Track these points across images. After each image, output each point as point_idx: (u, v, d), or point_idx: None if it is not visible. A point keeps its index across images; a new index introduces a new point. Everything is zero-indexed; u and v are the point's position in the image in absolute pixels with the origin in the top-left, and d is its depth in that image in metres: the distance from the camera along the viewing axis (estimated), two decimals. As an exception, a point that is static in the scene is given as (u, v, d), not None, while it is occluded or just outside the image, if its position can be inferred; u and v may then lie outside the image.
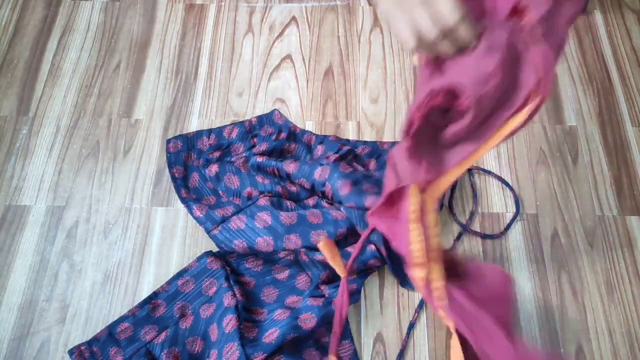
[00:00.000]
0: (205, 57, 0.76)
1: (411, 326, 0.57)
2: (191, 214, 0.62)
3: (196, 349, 0.54)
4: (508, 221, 0.64)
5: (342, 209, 0.61)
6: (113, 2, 0.81)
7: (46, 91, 0.73)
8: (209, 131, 0.68)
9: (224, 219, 0.61)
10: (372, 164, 0.67)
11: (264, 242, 0.58)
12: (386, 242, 0.57)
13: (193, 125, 0.70)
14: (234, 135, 0.67)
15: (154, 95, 0.73)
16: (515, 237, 0.63)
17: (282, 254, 0.60)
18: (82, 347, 0.54)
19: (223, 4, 0.81)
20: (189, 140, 0.67)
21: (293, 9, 0.81)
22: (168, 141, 0.67)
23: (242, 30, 0.79)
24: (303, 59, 0.77)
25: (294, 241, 0.58)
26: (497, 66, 0.41)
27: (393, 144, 0.68)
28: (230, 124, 0.68)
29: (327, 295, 0.57)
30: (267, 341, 0.52)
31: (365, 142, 0.69)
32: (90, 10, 0.80)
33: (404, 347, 0.56)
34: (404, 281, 0.59)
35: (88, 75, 0.74)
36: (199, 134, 0.68)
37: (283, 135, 0.68)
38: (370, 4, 0.82)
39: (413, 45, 0.45)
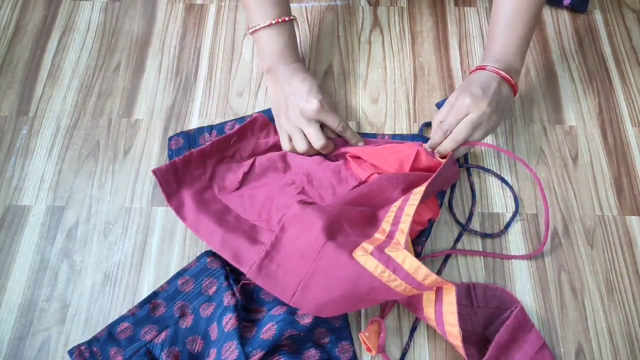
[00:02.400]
0: (205, 57, 0.76)
1: (414, 329, 0.57)
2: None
3: (196, 348, 0.54)
4: (508, 221, 0.64)
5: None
6: (113, 2, 0.81)
7: (46, 91, 0.73)
8: (211, 127, 0.68)
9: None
10: None
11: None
12: None
13: (193, 125, 0.70)
14: (234, 132, 0.67)
15: (154, 95, 0.73)
16: (515, 237, 0.63)
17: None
18: (82, 347, 0.54)
19: (223, 4, 0.82)
20: (191, 137, 0.67)
21: (293, 9, 0.81)
22: (170, 138, 0.67)
23: (242, 30, 0.79)
24: (303, 59, 0.77)
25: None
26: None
27: (394, 136, 0.69)
28: (232, 120, 0.69)
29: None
30: (264, 337, 0.52)
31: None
32: (90, 10, 0.80)
33: (406, 351, 0.56)
34: None
35: (88, 75, 0.74)
36: (200, 130, 0.68)
37: None
38: (370, 4, 0.82)
39: (287, 149, 0.64)
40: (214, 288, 0.57)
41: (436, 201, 0.62)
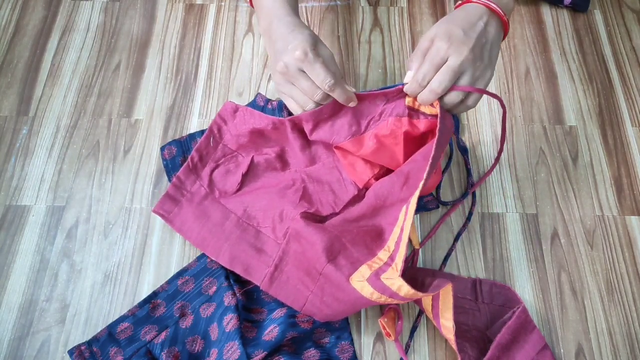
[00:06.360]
0: (205, 57, 0.76)
1: (414, 329, 0.57)
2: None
3: (196, 348, 0.54)
4: (508, 221, 0.64)
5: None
6: (113, 2, 0.81)
7: (46, 91, 0.73)
8: (202, 132, 0.68)
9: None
10: None
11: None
12: None
13: (193, 125, 0.70)
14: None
15: (154, 95, 0.73)
16: (515, 237, 0.63)
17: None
18: (82, 347, 0.54)
19: (223, 4, 0.82)
20: (183, 144, 0.67)
21: (293, 9, 0.81)
22: (162, 148, 0.67)
23: (242, 30, 0.79)
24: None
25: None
26: None
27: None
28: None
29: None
30: (267, 339, 0.52)
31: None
32: (90, 10, 0.80)
33: (406, 351, 0.56)
34: None
35: (88, 75, 0.74)
36: (191, 136, 0.67)
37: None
38: (370, 4, 0.82)
39: (299, 113, 0.55)
40: (214, 288, 0.57)
41: (439, 167, 0.63)
